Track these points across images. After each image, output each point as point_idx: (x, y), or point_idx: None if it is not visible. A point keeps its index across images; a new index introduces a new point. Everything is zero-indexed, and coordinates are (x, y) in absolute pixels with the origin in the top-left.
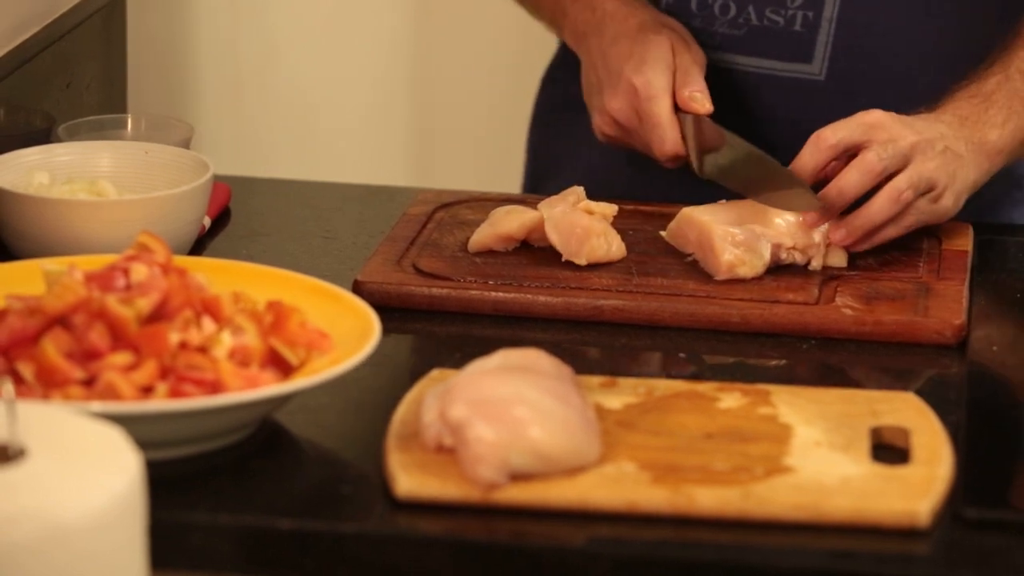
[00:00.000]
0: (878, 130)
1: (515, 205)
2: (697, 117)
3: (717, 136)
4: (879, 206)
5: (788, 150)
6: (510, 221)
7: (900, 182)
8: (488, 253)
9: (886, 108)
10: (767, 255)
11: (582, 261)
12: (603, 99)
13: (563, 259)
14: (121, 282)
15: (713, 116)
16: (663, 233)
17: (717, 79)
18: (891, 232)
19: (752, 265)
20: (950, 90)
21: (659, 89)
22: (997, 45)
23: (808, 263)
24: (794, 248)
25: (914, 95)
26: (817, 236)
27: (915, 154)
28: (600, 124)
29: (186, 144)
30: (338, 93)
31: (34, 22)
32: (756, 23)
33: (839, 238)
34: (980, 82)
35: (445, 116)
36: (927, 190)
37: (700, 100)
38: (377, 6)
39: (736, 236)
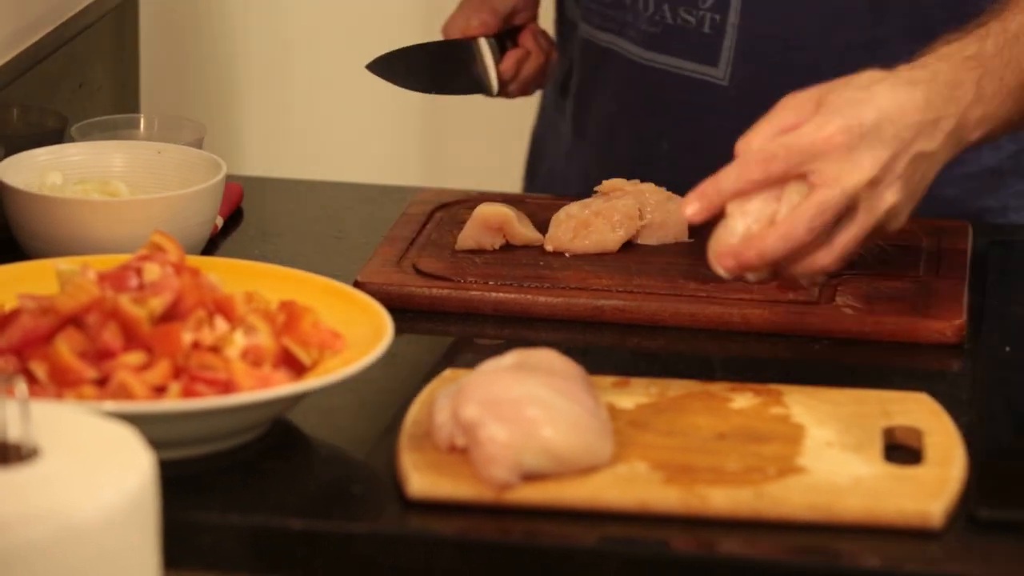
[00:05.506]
0: (820, 162)
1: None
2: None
3: None
4: (794, 279)
5: (693, 150)
6: (484, 208)
7: (823, 259)
8: (488, 253)
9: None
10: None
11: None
12: None
13: (565, 254)
14: (134, 282)
15: (631, 112)
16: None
17: (638, 74)
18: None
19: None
20: (940, 44)
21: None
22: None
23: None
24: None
25: None
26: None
27: (861, 201)
28: None
29: (198, 144)
30: (350, 93)
31: (46, 22)
32: (671, 21)
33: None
34: (980, 41)
35: (457, 116)
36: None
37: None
38: (389, 6)
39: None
